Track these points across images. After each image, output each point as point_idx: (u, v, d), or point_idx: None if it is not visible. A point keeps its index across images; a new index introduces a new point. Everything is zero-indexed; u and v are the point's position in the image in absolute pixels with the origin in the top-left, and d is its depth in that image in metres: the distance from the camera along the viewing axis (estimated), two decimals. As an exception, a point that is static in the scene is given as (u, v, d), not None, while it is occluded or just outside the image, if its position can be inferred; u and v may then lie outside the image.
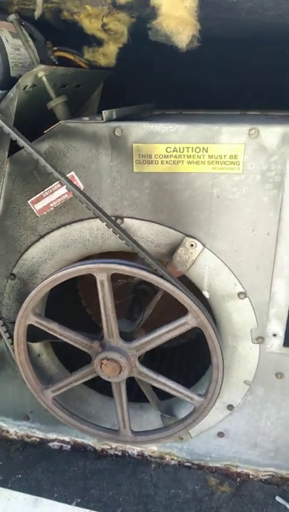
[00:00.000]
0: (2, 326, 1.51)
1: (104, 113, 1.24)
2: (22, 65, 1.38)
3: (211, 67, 2.03)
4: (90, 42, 1.49)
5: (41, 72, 1.26)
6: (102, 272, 1.30)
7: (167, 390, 1.41)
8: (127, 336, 1.44)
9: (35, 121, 1.32)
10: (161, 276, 1.25)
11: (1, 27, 1.31)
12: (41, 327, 1.44)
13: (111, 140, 1.25)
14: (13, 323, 1.55)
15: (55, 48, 1.61)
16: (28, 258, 1.46)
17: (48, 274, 1.48)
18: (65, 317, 1.77)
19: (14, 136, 1.18)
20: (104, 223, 1.24)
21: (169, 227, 1.31)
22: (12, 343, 1.48)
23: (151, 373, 1.40)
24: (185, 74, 2.04)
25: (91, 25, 1.37)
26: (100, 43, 1.45)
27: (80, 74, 1.50)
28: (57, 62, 1.57)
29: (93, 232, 1.38)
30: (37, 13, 1.25)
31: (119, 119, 1.28)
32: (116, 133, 1.24)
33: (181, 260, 1.33)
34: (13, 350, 1.48)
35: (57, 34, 1.56)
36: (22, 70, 1.39)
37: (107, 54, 1.47)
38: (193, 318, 1.28)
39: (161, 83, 2.07)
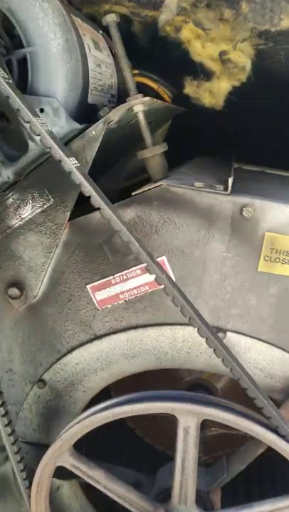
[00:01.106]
0: (12, 445, 1.04)
1: (229, 181, 0.83)
2: (101, 89, 0.97)
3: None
4: (187, 72, 1.10)
5: (140, 106, 0.85)
6: (190, 417, 0.86)
7: None
8: (202, 498, 0.98)
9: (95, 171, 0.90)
10: (284, 438, 0.82)
11: (83, 31, 0.90)
12: (78, 473, 0.97)
13: (234, 222, 0.83)
14: (29, 444, 1.09)
15: (136, 72, 1.21)
16: (71, 363, 1.01)
17: (96, 387, 1.03)
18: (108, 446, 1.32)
19: (90, 191, 0.76)
20: (202, 336, 0.81)
21: (295, 356, 0.89)
22: (28, 486, 1.01)
23: None
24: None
25: (203, 51, 0.98)
26: (207, 75, 1.06)
27: (167, 110, 1.09)
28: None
29: (176, 343, 0.94)
30: (163, 19, 0.84)
31: (245, 191, 0.87)
32: (244, 213, 0.82)
33: (304, 405, 0.90)
34: (29, 496, 1.01)
35: (139, 53, 1.16)
36: (100, 96, 0.98)
37: (215, 92, 1.07)
38: None
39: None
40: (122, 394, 1.40)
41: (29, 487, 1.02)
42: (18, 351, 1.03)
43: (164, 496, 0.99)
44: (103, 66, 0.96)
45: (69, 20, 0.84)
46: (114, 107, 0.83)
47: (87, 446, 1.03)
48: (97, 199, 0.75)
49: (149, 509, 0.95)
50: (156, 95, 1.25)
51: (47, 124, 0.77)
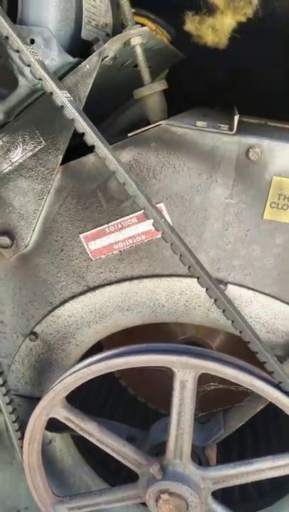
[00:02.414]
0: (4, 396, 1.02)
1: (235, 119, 0.76)
2: (96, 24, 0.88)
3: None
4: (187, 7, 1.00)
5: (138, 38, 0.77)
6: (187, 369, 0.82)
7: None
8: (197, 454, 0.96)
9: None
10: (287, 394, 0.79)
11: None
12: (71, 425, 0.95)
13: (239, 165, 0.77)
14: (21, 396, 1.07)
15: (133, 11, 1.11)
16: (63, 315, 0.97)
17: (89, 341, 0.99)
18: (99, 398, 1.30)
19: (83, 127, 0.69)
20: (202, 285, 0.76)
21: (300, 310, 0.85)
22: (20, 437, 0.99)
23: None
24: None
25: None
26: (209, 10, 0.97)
27: (166, 53, 1.01)
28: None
29: (173, 296, 0.89)
30: None
31: (250, 132, 0.80)
32: (250, 155, 0.76)
33: (306, 361, 0.86)
34: (21, 447, 1.00)
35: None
36: (94, 32, 0.89)
37: (219, 29, 0.98)
38: None
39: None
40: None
41: (21, 438, 1.01)
42: (9, 303, 0.99)
43: (158, 451, 0.98)
44: (97, 0, 0.87)
45: None
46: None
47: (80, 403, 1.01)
48: (91, 136, 0.69)
49: (143, 463, 0.94)
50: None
51: (38, 54, 0.70)
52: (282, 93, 1.33)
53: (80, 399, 1.08)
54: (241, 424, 0.94)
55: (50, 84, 0.68)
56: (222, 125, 0.76)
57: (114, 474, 1.22)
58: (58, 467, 1.19)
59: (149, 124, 0.85)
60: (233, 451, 1.17)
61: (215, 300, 0.76)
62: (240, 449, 1.17)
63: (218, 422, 0.98)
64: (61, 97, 0.68)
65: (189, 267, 0.75)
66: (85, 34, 0.85)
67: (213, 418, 1.00)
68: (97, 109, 0.88)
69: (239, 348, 0.92)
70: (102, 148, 0.71)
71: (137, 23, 1.07)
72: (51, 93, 0.69)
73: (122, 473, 1.20)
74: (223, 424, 0.97)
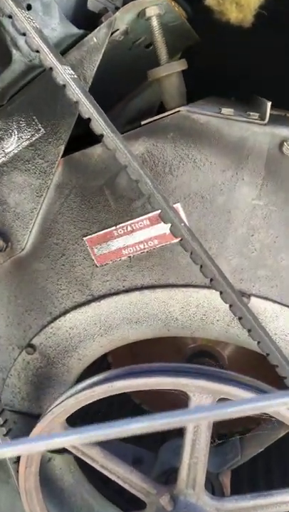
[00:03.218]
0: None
1: (267, 107, 0.65)
2: (105, -6, 0.76)
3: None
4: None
5: (155, 8, 0.65)
6: (204, 395, 0.72)
7: None
8: (210, 481, 0.87)
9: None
10: None
11: None
12: (72, 450, 0.85)
13: (269, 160, 0.66)
14: (17, 413, 0.97)
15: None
16: (64, 327, 0.86)
17: (93, 355, 0.89)
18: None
19: (90, 111, 0.58)
20: (226, 301, 0.66)
21: None
22: (16, 461, 0.90)
23: None
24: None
25: None
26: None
27: (181, 31, 0.89)
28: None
29: (189, 308, 0.79)
30: None
31: (282, 123, 0.69)
32: (284, 149, 0.65)
33: None
34: (17, 471, 0.90)
35: None
36: (102, 2, 0.78)
37: (244, 5, 0.86)
38: None
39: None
40: (117, 358, 1.27)
41: (17, 462, 0.91)
42: (3, 312, 0.88)
43: (167, 477, 0.89)
44: None
45: None
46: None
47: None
48: (99, 122, 0.57)
49: (152, 492, 0.84)
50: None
51: (35, 21, 0.58)
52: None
53: (81, 410, 0.98)
54: (260, 450, 0.85)
55: (50, 58, 0.57)
56: (252, 113, 0.65)
57: (117, 493, 1.13)
58: (58, 486, 1.10)
59: (163, 111, 0.74)
60: (243, 477, 1.07)
61: (239, 318, 0.65)
62: (250, 473, 1.07)
63: (235, 446, 0.88)
64: (63, 73, 0.57)
65: (211, 280, 0.64)
66: (91, 4, 0.73)
67: (229, 442, 0.90)
68: (101, 94, 0.77)
69: (253, 357, 0.82)
70: (111, 138, 0.59)
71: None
72: (51, 68, 0.58)
73: (126, 493, 1.11)
74: (240, 450, 0.87)
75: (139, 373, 0.77)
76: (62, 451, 0.95)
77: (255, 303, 0.76)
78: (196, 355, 1.19)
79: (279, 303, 0.75)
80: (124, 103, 1.07)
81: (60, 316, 0.86)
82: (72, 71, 0.59)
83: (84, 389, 0.79)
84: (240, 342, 0.80)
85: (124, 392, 1.32)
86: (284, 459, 1.08)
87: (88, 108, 0.57)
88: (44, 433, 0.85)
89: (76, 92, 0.57)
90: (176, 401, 1.04)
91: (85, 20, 0.71)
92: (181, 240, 0.64)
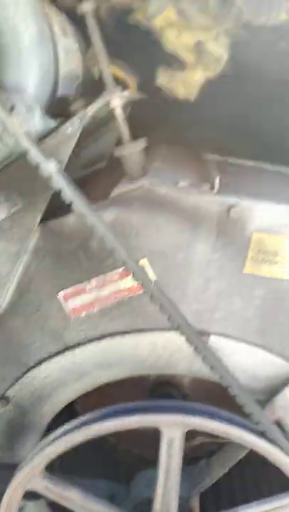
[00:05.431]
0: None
1: (215, 179, 0.79)
2: (70, 78, 0.87)
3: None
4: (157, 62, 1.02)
5: (119, 99, 0.77)
6: (174, 427, 0.82)
7: None
8: (181, 506, 0.95)
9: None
10: (271, 442, 0.81)
11: (50, 15, 0.80)
12: (50, 496, 0.90)
13: (220, 222, 0.79)
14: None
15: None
16: (39, 377, 0.92)
17: (65, 400, 0.95)
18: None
19: (67, 194, 0.68)
20: (191, 344, 0.77)
21: (279, 356, 0.88)
22: (-5, 513, 0.92)
23: None
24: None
25: (177, 41, 0.92)
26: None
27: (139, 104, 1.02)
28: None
29: (156, 350, 0.89)
30: (152, 11, 0.75)
31: (232, 189, 0.83)
32: (231, 214, 0.79)
33: (286, 404, 0.90)
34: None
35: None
36: (68, 86, 0.88)
37: (189, 83, 1.01)
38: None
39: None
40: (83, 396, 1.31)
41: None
42: (-23, 367, 0.92)
43: (142, 509, 0.96)
44: (71, 54, 0.86)
45: (40, 7, 0.74)
46: (90, 103, 0.75)
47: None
48: (79, 205, 0.67)
49: (131, 527, 0.91)
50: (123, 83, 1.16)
51: (22, 122, 0.67)
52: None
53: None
54: (225, 471, 0.96)
55: (37, 156, 0.66)
56: (203, 185, 0.79)
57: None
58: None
59: (116, 159, 0.84)
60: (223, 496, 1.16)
61: (203, 358, 0.77)
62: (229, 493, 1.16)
63: (201, 470, 0.98)
64: (48, 168, 0.66)
65: (178, 327, 0.75)
66: (60, 90, 0.83)
67: (196, 466, 1.00)
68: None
69: (209, 382, 0.93)
70: (90, 217, 0.69)
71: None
72: (38, 164, 0.67)
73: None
74: (207, 472, 0.97)
75: (111, 415, 0.84)
76: (37, 496, 0.99)
77: (215, 340, 0.88)
78: (158, 386, 1.27)
79: (236, 339, 0.88)
80: (79, 149, 1.16)
81: (34, 366, 0.91)
82: (55, 162, 0.68)
83: (61, 436, 0.85)
84: (203, 375, 0.91)
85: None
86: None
87: (70, 195, 0.67)
88: (23, 482, 0.89)
89: (60, 183, 0.66)
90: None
91: (56, 104, 0.81)
92: (150, 295, 0.74)
